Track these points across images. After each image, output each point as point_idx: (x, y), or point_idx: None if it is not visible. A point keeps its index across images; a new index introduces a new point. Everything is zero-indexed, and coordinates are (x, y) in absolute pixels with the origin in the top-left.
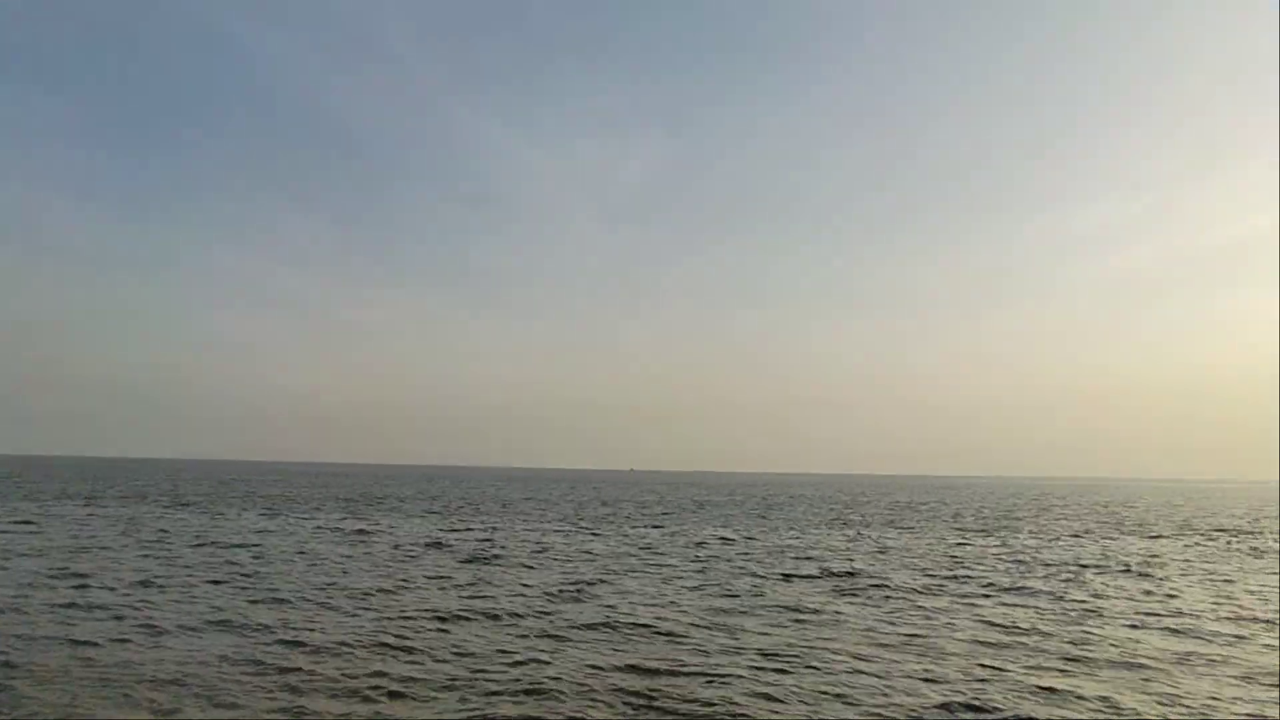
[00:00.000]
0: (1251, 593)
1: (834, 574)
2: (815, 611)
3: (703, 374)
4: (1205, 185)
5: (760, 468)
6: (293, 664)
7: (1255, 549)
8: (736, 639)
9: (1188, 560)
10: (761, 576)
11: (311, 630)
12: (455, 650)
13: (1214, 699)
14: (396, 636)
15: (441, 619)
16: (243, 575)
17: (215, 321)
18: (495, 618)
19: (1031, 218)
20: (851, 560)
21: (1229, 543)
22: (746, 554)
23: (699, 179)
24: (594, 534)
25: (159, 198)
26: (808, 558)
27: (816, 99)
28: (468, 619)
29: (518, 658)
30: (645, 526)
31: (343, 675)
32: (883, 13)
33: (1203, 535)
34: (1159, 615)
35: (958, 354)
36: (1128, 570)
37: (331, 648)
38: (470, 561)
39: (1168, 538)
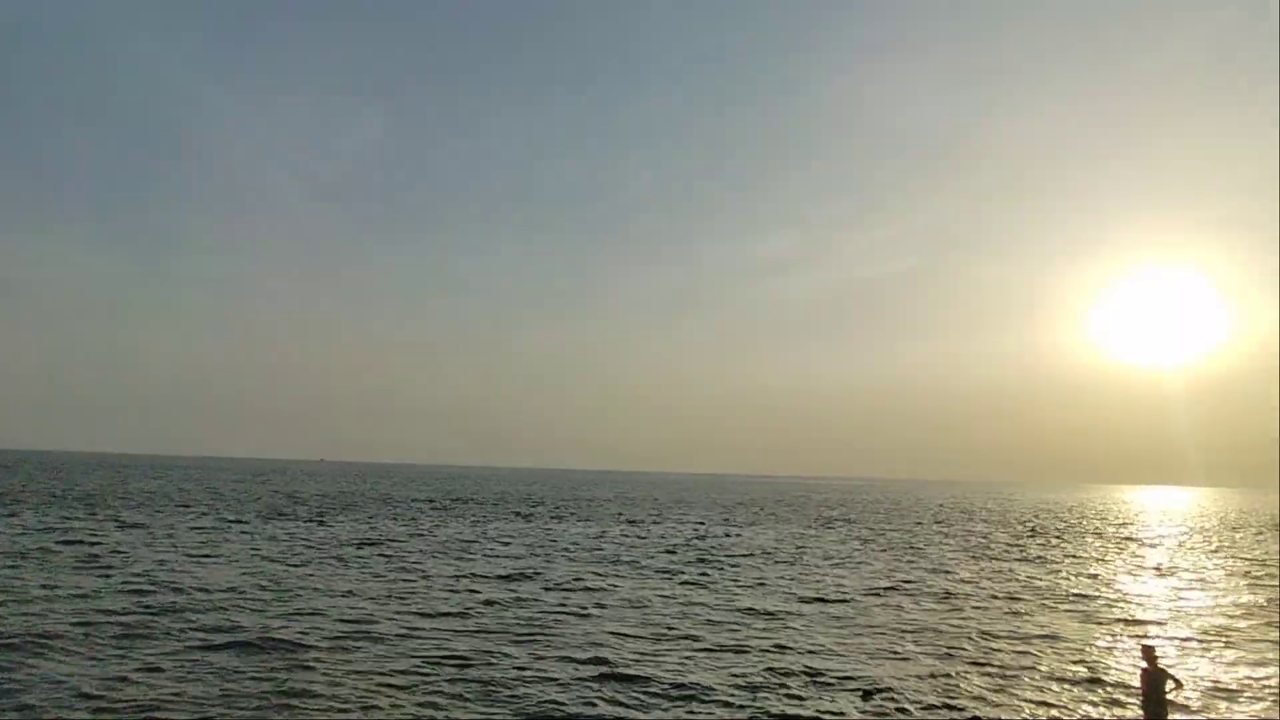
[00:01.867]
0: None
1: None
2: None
3: (396, 365)
4: (856, 232)
5: (448, 459)
6: None
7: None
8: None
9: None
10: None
11: None
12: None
13: None
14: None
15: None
16: None
17: None
18: None
19: (718, 245)
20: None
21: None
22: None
23: (413, 167)
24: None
25: None
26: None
27: (547, 108)
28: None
29: None
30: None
31: None
32: (635, 44)
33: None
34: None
35: (653, 359)
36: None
37: None
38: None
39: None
